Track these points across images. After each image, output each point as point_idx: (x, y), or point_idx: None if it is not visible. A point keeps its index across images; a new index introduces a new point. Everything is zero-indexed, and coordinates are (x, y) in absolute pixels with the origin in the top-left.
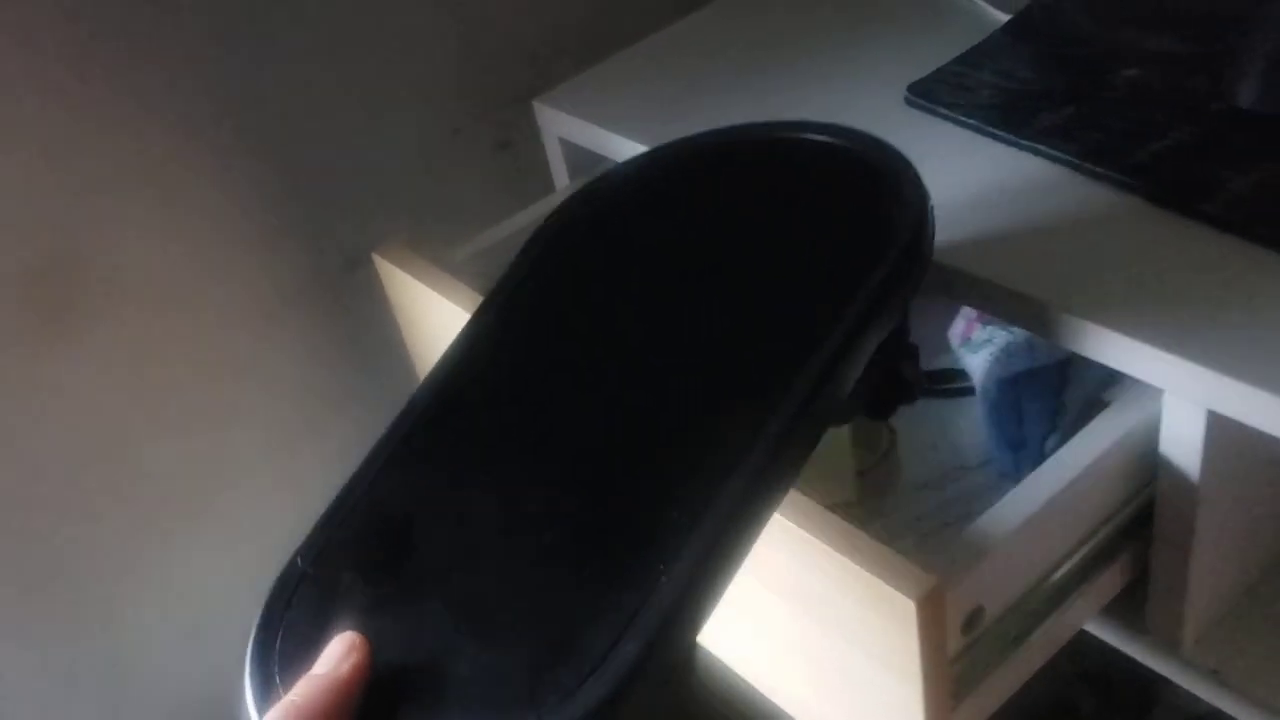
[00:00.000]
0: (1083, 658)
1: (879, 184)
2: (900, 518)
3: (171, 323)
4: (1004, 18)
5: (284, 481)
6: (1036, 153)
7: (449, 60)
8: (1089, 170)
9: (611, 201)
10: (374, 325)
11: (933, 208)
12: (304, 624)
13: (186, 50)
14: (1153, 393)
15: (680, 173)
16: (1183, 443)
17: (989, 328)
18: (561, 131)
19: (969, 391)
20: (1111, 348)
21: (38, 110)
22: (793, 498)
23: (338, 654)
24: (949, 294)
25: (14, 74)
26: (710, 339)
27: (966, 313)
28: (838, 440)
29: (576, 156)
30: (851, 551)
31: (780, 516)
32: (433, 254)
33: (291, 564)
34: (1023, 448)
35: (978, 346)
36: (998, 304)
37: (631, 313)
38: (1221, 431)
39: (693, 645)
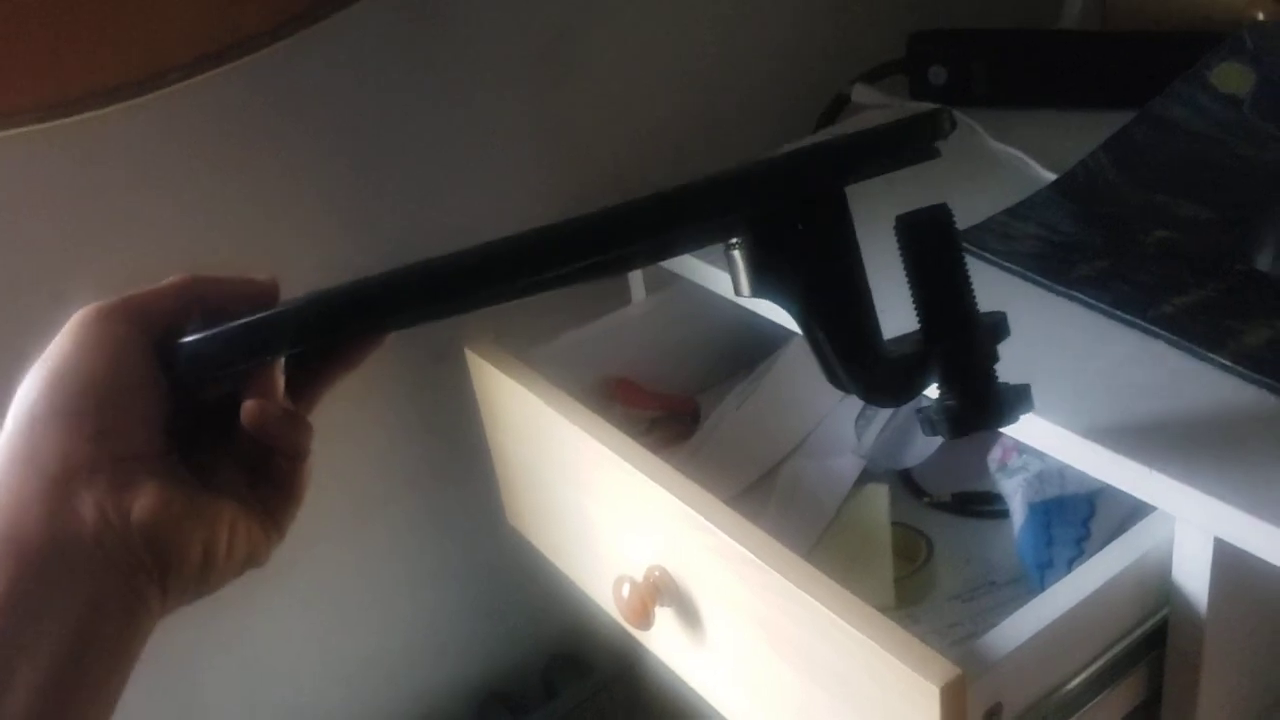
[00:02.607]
0: None
1: None
2: (932, 624)
3: None
4: (1051, 176)
5: (357, 547)
6: (1072, 299)
7: (555, 165)
8: (1119, 317)
9: None
10: (452, 412)
11: None
12: None
13: (308, 156)
14: (1166, 521)
15: None
16: (1193, 568)
17: (1024, 455)
18: None
19: (1003, 513)
20: (1130, 475)
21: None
22: (829, 587)
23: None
24: None
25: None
26: None
27: (1004, 440)
28: (879, 547)
29: (653, 268)
30: (881, 637)
31: (814, 600)
32: (517, 350)
33: None
34: (1050, 568)
35: (1013, 472)
36: (1032, 434)
37: None
38: (1230, 560)
39: None
